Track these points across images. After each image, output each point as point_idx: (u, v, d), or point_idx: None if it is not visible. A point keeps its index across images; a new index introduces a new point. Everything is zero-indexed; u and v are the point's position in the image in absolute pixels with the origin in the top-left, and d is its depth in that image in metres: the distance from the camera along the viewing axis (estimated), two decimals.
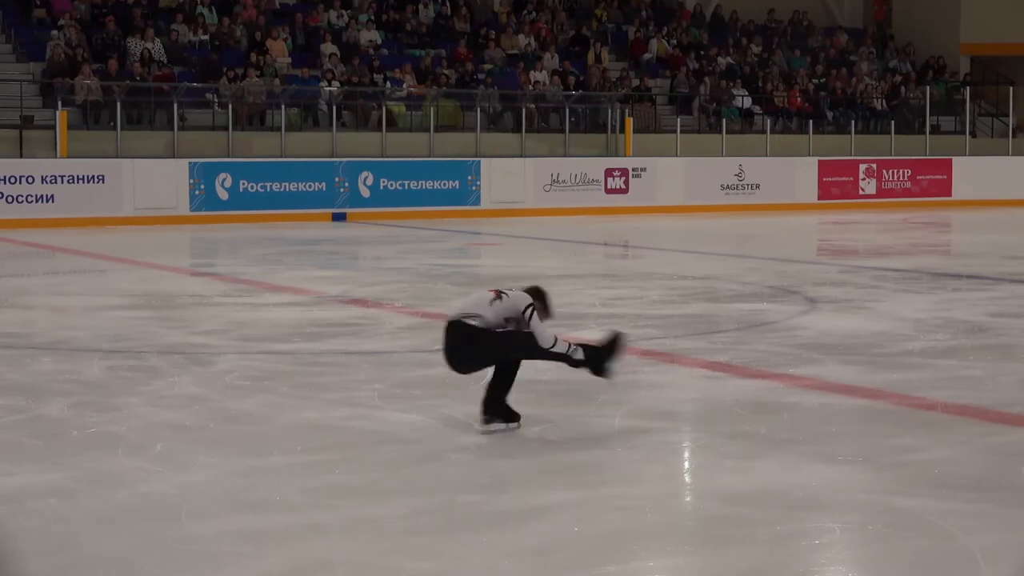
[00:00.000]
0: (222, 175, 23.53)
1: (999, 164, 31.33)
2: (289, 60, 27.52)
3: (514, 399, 7.80)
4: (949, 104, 33.47)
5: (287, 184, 24.05)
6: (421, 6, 30.67)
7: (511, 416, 6.96)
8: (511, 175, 25.91)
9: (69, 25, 25.92)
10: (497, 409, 6.93)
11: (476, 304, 6.86)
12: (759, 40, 33.94)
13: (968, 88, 33.44)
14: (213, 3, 28.37)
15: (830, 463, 6.31)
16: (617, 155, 27.77)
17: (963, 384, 8.37)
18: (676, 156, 28.02)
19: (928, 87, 32.80)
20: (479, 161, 25.82)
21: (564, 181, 26.40)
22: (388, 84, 27.36)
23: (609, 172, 26.86)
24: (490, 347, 6.82)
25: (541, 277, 14.60)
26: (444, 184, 25.38)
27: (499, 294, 6.87)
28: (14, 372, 8.75)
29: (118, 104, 23.67)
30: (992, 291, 13.78)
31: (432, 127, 26.45)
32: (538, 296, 6.97)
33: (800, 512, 5.54)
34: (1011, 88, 33.12)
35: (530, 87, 28.59)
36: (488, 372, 7.03)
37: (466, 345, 6.82)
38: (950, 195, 30.24)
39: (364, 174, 24.71)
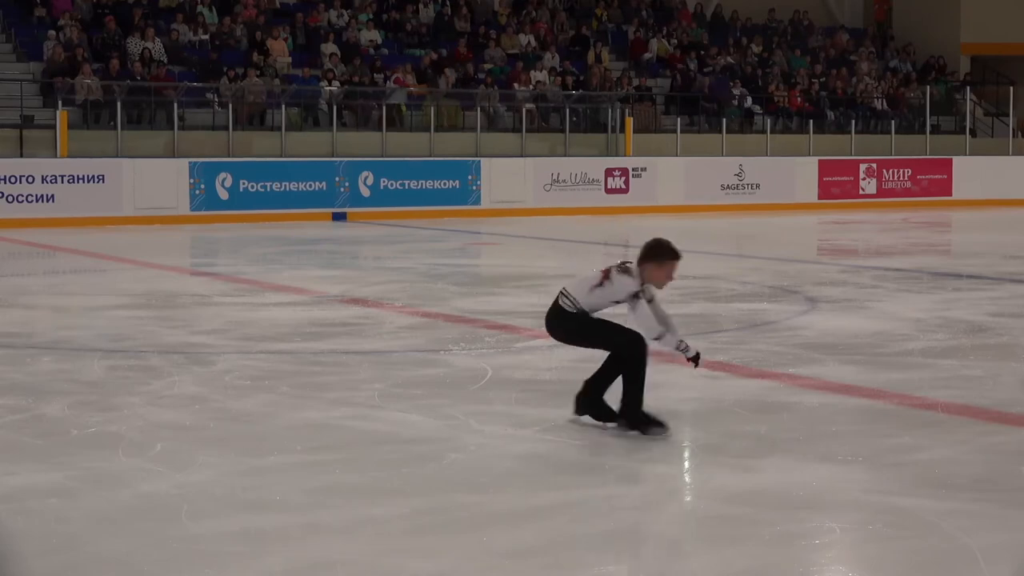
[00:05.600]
0: (222, 175, 23.53)
1: (999, 164, 31.33)
2: (289, 60, 27.52)
3: (514, 399, 7.82)
4: (949, 104, 33.47)
5: (287, 184, 24.05)
6: (421, 6, 30.68)
7: (604, 415, 6.93)
8: (511, 175, 25.92)
9: (69, 25, 25.93)
10: (592, 406, 6.94)
11: (578, 285, 6.88)
12: (759, 40, 33.94)
13: (969, 88, 33.45)
14: (213, 3, 28.37)
15: (831, 463, 6.31)
16: (617, 155, 27.77)
17: (963, 384, 8.36)
18: (676, 156, 28.03)
19: (928, 87, 32.80)
20: (479, 161, 25.82)
21: (564, 181, 26.40)
22: (388, 84, 27.36)
23: (609, 172, 26.86)
24: (581, 332, 6.89)
25: (541, 276, 14.61)
26: (444, 184, 25.38)
27: (606, 276, 6.83)
28: (14, 371, 8.75)
29: (118, 104, 23.67)
30: (992, 291, 13.77)
31: (432, 127, 26.46)
32: (650, 256, 6.77)
33: (800, 512, 5.54)
34: (1011, 88, 33.13)
35: (530, 87, 28.61)
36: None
37: (557, 322, 6.94)
38: (950, 195, 30.25)
39: (364, 174, 24.71)
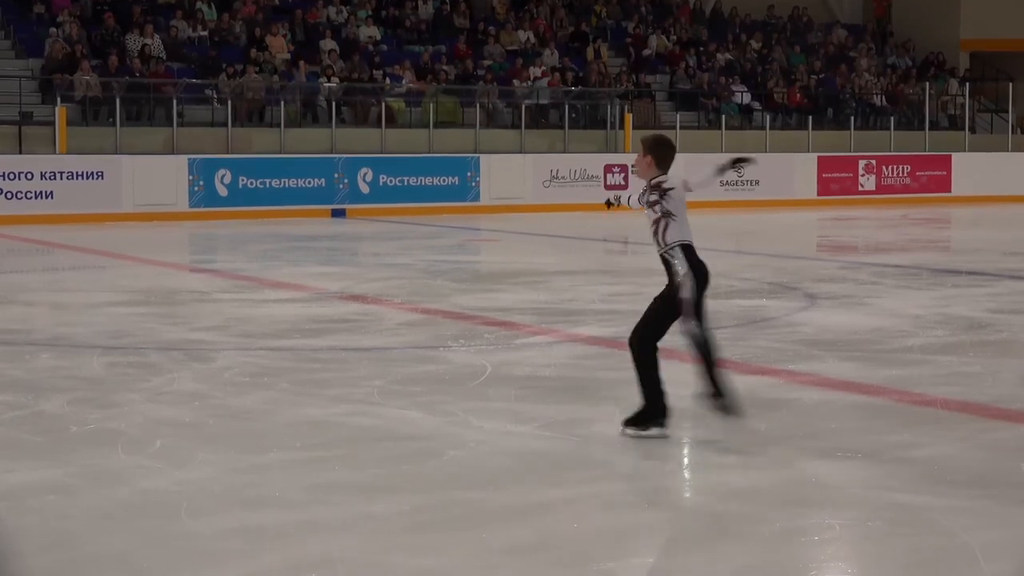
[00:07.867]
0: (221, 171, 23.53)
1: (998, 160, 31.32)
2: (288, 56, 27.50)
3: (513, 395, 7.81)
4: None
5: (286, 180, 24.04)
6: (420, 2, 30.66)
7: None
8: (511, 171, 25.90)
9: (68, 21, 25.92)
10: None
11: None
12: (759, 36, 33.94)
13: (968, 84, 33.44)
14: None
15: (830, 459, 6.31)
16: (617, 151, 27.76)
17: (963, 380, 8.36)
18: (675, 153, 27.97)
19: (928, 83, 32.79)
20: (478, 157, 25.81)
21: (563, 177, 26.39)
22: (388, 80, 27.35)
23: (608, 168, 26.85)
24: None
25: (541, 273, 14.61)
26: (444, 180, 25.38)
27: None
28: (14, 368, 8.75)
29: (117, 100, 23.66)
30: (992, 287, 13.77)
31: (431, 123, 26.44)
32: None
33: (800, 509, 5.54)
34: (1011, 84, 33.12)
35: (529, 83, 28.60)
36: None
37: None
38: (949, 191, 30.24)
39: (363, 170, 24.70)
